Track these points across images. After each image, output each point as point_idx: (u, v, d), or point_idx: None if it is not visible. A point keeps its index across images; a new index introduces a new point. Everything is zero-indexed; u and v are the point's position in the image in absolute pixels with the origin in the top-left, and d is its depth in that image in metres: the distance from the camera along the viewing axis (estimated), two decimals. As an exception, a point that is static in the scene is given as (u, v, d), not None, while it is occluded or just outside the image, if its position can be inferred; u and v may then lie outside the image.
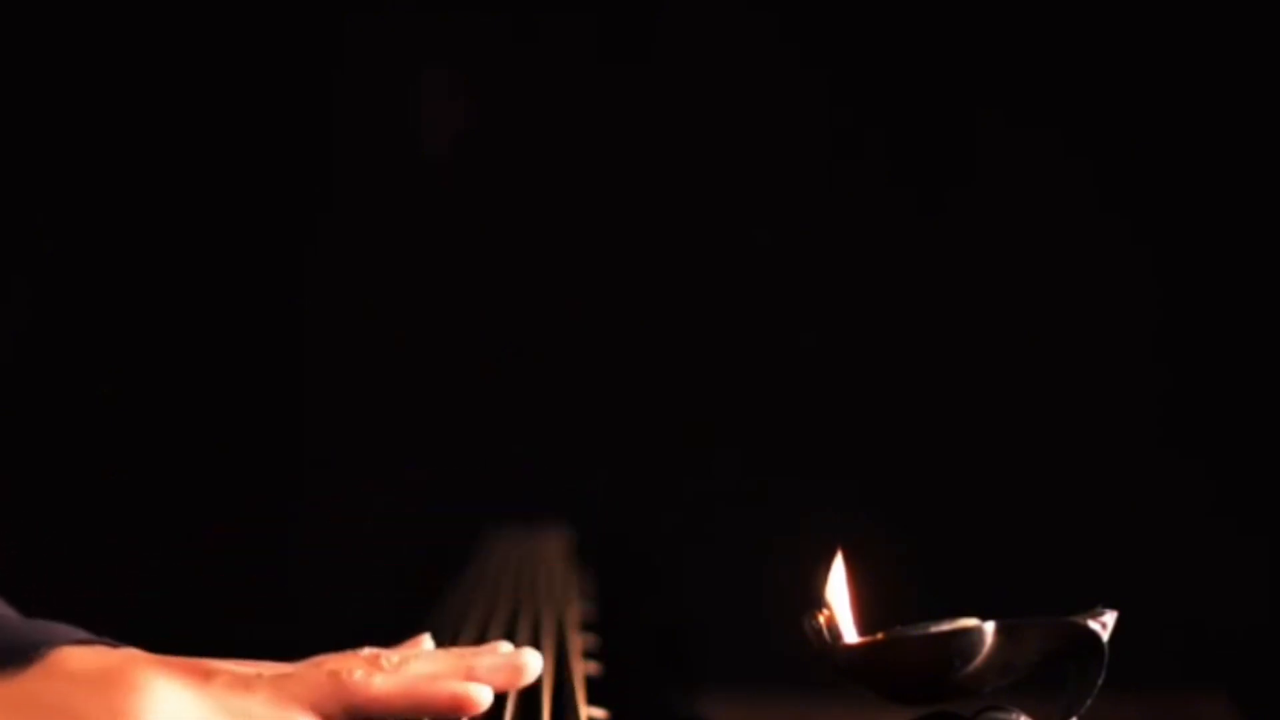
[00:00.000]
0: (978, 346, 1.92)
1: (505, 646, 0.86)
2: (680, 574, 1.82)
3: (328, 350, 1.96)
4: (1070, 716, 0.81)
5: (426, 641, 0.87)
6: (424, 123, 1.98)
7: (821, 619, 0.80)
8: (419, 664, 0.82)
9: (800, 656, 0.82)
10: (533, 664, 0.85)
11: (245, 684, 0.77)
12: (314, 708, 0.78)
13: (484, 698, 0.82)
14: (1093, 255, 1.91)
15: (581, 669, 1.00)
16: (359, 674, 0.79)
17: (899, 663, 0.79)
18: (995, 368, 1.92)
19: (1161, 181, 1.91)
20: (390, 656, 0.82)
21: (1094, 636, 0.80)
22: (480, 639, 1.06)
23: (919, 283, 1.93)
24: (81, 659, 0.75)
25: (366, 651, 0.81)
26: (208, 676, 0.75)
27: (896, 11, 1.93)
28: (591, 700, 0.94)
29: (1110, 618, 0.81)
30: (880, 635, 0.80)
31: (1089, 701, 0.81)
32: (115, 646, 0.79)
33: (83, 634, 0.81)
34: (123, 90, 1.95)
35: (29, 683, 0.60)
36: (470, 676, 0.83)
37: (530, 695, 0.93)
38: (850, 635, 0.80)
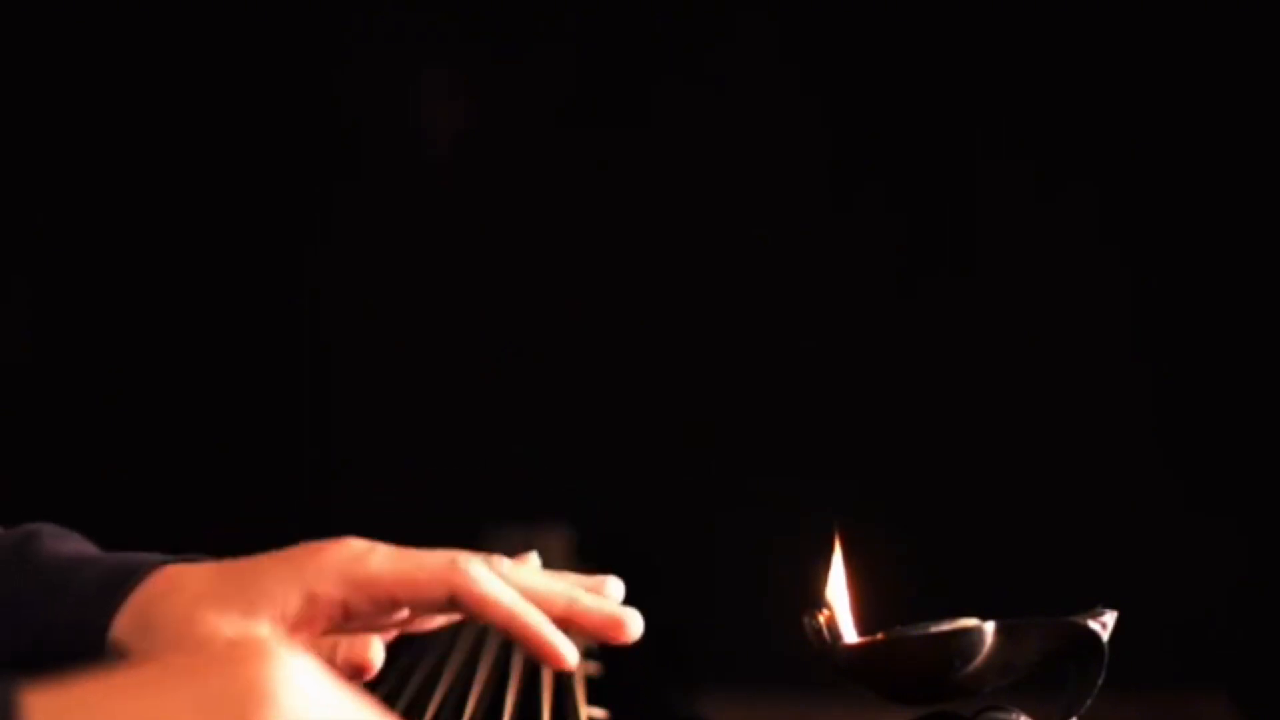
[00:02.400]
0: (978, 347, 1.92)
1: (616, 588, 0.88)
2: (680, 574, 1.82)
3: (328, 351, 1.96)
4: (1070, 716, 0.81)
5: (534, 559, 0.89)
6: (426, 124, 1.98)
7: (821, 619, 0.80)
8: (530, 577, 0.87)
9: (800, 656, 0.82)
10: (634, 626, 0.87)
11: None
12: (428, 579, 0.83)
13: (570, 658, 0.85)
14: (1093, 255, 1.92)
15: (581, 669, 1.00)
16: (474, 565, 0.84)
17: (899, 663, 0.79)
18: (995, 368, 1.92)
19: (1156, 190, 1.91)
20: (504, 563, 0.86)
21: (1094, 636, 0.80)
22: (480, 639, 1.06)
23: (919, 283, 1.93)
24: (186, 578, 0.84)
25: (486, 557, 0.85)
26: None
27: (887, 30, 1.93)
28: (591, 700, 0.94)
29: (1110, 618, 0.81)
30: (880, 635, 0.80)
31: (1089, 701, 0.81)
32: (198, 560, 0.86)
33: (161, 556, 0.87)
34: (124, 91, 1.95)
35: (159, 656, 0.61)
36: (570, 613, 0.86)
37: (530, 695, 0.93)
38: (850, 635, 0.81)
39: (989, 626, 0.79)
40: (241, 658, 0.62)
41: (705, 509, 1.91)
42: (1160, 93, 1.90)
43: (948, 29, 1.92)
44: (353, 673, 0.83)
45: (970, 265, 1.93)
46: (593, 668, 1.04)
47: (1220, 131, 1.90)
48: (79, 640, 0.84)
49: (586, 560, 1.43)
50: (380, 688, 0.96)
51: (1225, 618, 1.85)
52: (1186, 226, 1.91)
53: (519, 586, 0.85)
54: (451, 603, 0.84)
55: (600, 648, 1.11)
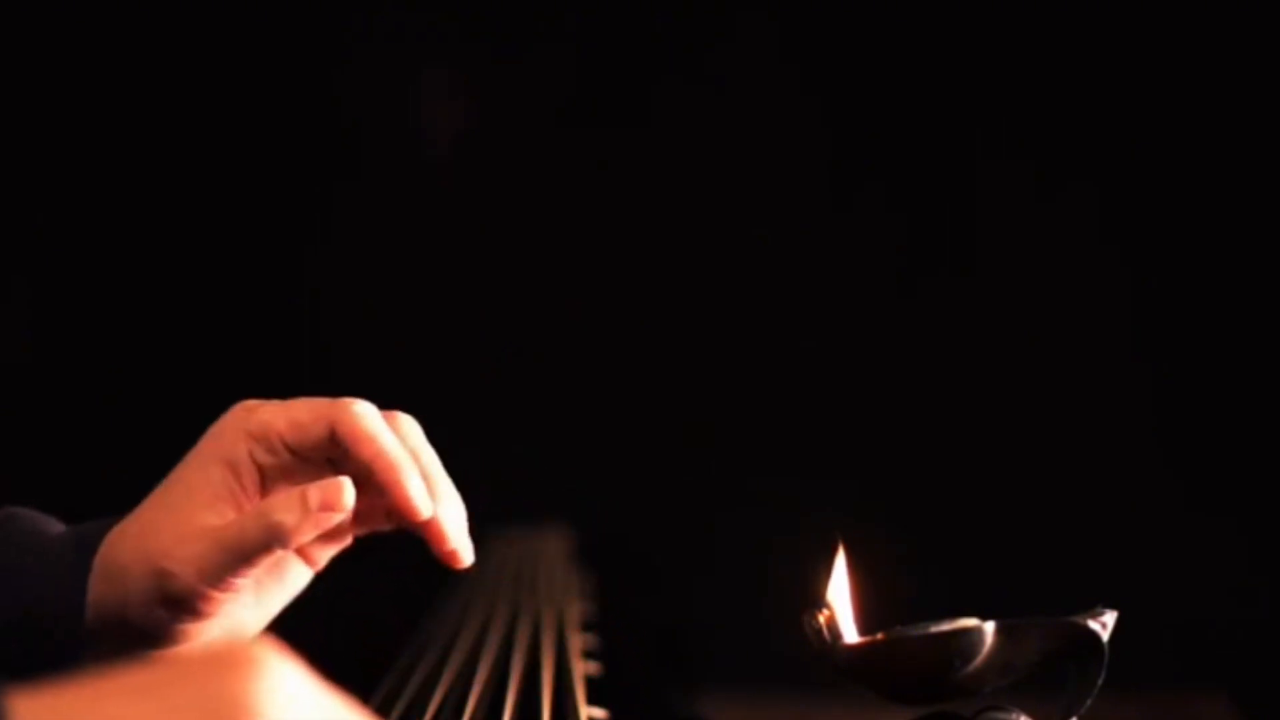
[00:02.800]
0: (977, 347, 1.92)
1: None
2: (680, 574, 1.82)
3: (328, 351, 1.96)
4: (1070, 716, 0.81)
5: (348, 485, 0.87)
6: (426, 124, 1.98)
7: (821, 619, 0.80)
8: (414, 433, 0.91)
9: (800, 656, 0.82)
10: (467, 555, 0.90)
11: None
12: (311, 416, 0.88)
13: (423, 510, 0.87)
14: (1093, 255, 1.92)
15: (581, 669, 1.00)
16: (359, 404, 0.89)
17: (899, 663, 0.79)
18: (995, 368, 1.92)
19: (1155, 191, 1.91)
20: (400, 416, 0.91)
21: (1094, 636, 0.80)
22: (480, 639, 1.06)
23: (919, 283, 1.94)
24: (129, 521, 0.86)
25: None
26: None
27: (887, 31, 1.93)
28: (591, 700, 0.94)
29: (1110, 618, 0.81)
30: (880, 635, 0.80)
31: (1089, 701, 0.81)
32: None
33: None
34: (124, 90, 1.95)
35: (144, 667, 0.61)
36: (430, 479, 0.88)
37: (530, 695, 0.93)
38: (850, 635, 0.81)
39: (989, 626, 0.79)
40: (229, 666, 0.61)
41: (705, 509, 1.91)
42: (1159, 92, 1.90)
43: (948, 29, 1.92)
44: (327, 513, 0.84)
45: (970, 265, 1.93)
46: (593, 668, 1.04)
47: (1220, 131, 1.90)
48: (63, 609, 0.85)
49: (586, 560, 1.43)
50: (380, 688, 0.96)
51: (1225, 618, 1.85)
52: (1186, 226, 1.91)
53: (400, 437, 0.88)
54: (333, 441, 0.86)
55: (600, 648, 1.11)
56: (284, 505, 0.84)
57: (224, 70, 1.96)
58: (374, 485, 0.86)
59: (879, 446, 1.92)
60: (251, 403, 0.89)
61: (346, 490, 0.84)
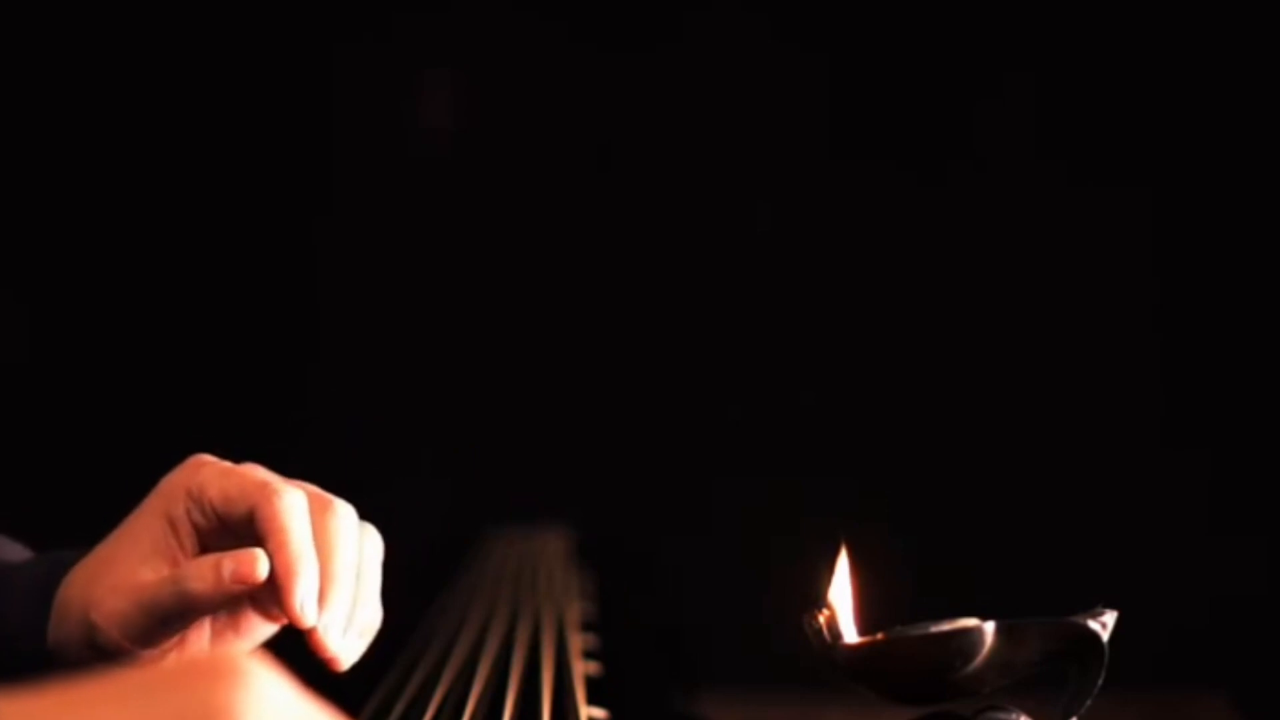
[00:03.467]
0: (979, 347, 1.92)
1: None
2: (680, 574, 1.82)
3: (328, 351, 1.96)
4: (1070, 716, 0.81)
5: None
6: (423, 118, 1.98)
7: (822, 619, 0.80)
8: (339, 533, 0.86)
9: (800, 656, 0.82)
10: (344, 657, 0.85)
11: None
12: (239, 492, 0.86)
13: (308, 619, 0.83)
14: (1096, 258, 1.92)
15: (581, 669, 1.00)
16: (288, 494, 0.85)
17: (899, 663, 0.79)
18: (996, 368, 1.92)
19: (1162, 190, 1.91)
20: (338, 508, 0.87)
21: (1094, 636, 0.80)
22: (480, 639, 1.06)
23: (919, 284, 1.93)
24: (80, 567, 0.86)
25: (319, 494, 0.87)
26: None
27: (888, 30, 1.93)
28: (591, 700, 0.94)
29: (1110, 618, 0.81)
30: (880, 635, 0.80)
31: (1089, 701, 0.81)
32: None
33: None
34: (124, 89, 1.95)
35: (125, 674, 0.59)
36: (330, 591, 0.84)
37: (530, 695, 0.93)
38: (850, 635, 0.80)
39: (989, 626, 0.79)
40: (208, 676, 0.59)
41: (705, 509, 1.91)
42: (1161, 91, 1.90)
43: (948, 29, 1.92)
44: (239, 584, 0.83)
45: (971, 265, 1.93)
46: (593, 668, 1.04)
47: (1221, 131, 1.90)
48: (28, 646, 0.86)
49: (586, 560, 1.43)
50: (380, 688, 0.96)
51: (1225, 618, 1.85)
52: (1195, 226, 1.91)
53: (324, 533, 0.85)
54: (249, 522, 0.84)
55: (600, 648, 1.11)
56: (197, 573, 0.83)
57: (223, 70, 1.95)
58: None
59: (879, 446, 1.92)
60: (202, 459, 0.89)
61: (260, 563, 0.83)
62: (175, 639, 0.86)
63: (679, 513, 1.91)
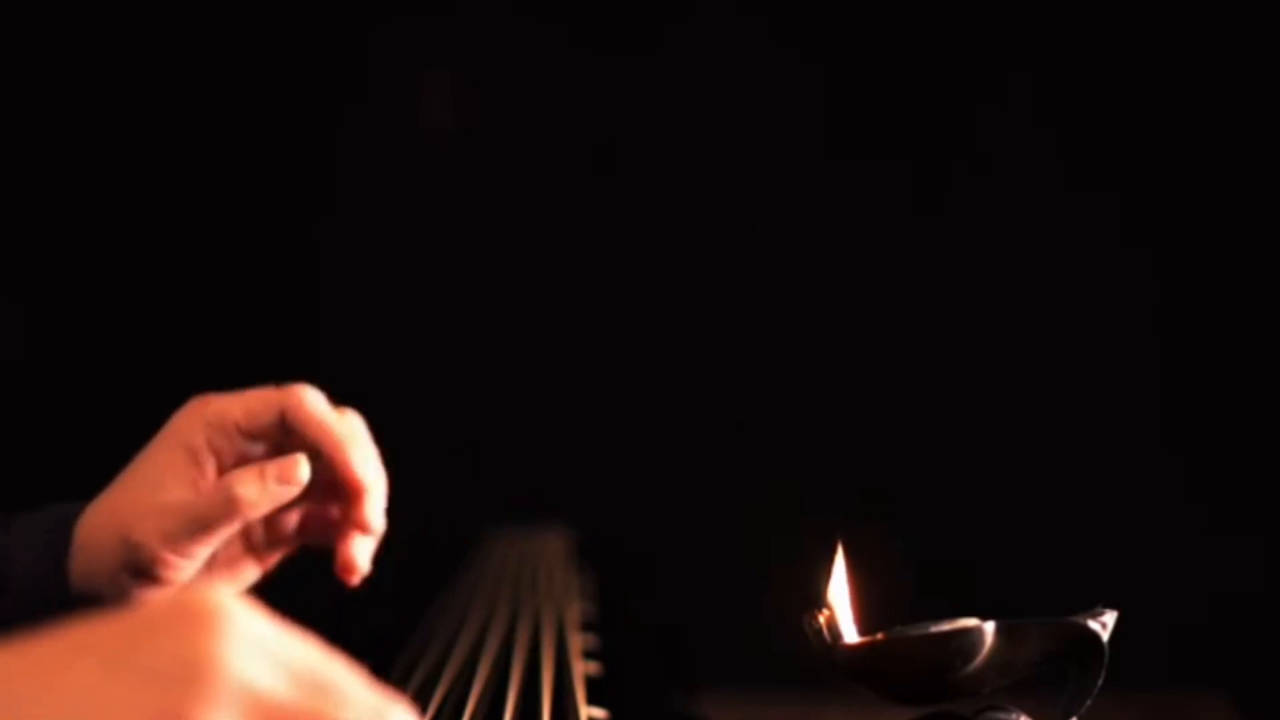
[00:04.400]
0: (979, 347, 1.92)
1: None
2: (680, 574, 1.82)
3: (328, 351, 1.96)
4: (1070, 716, 0.81)
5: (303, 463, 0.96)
6: (423, 118, 1.98)
7: (822, 619, 0.80)
8: (356, 422, 1.00)
9: (800, 656, 0.82)
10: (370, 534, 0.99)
11: None
12: (263, 403, 0.96)
13: (374, 487, 0.98)
14: (1096, 258, 1.92)
15: (581, 669, 1.00)
16: (307, 390, 0.98)
17: (899, 663, 0.79)
18: (996, 368, 1.92)
19: (1165, 189, 1.91)
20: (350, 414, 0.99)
21: (1094, 636, 0.80)
22: (480, 639, 1.06)
23: (919, 284, 1.94)
24: (98, 506, 0.93)
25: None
26: None
27: (887, 30, 1.93)
28: (591, 700, 0.94)
29: (1110, 618, 0.81)
30: (880, 635, 0.80)
31: (1089, 701, 0.81)
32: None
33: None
34: (123, 89, 1.95)
35: (94, 623, 0.59)
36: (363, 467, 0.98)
37: (530, 695, 0.93)
38: (850, 635, 0.81)
39: (989, 626, 0.79)
40: (186, 620, 0.59)
41: (705, 509, 1.91)
42: (1161, 91, 1.90)
43: (948, 29, 1.93)
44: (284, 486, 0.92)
45: (971, 265, 1.93)
46: (593, 668, 1.04)
47: (1222, 131, 1.90)
48: (51, 585, 0.90)
49: (586, 560, 1.43)
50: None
51: (1225, 618, 1.85)
52: (1195, 226, 1.91)
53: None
54: (283, 425, 0.95)
55: (600, 648, 1.11)
56: (244, 479, 0.92)
57: (223, 70, 1.96)
58: (320, 467, 0.95)
59: (879, 446, 1.92)
60: (207, 395, 0.97)
61: (301, 465, 0.93)
62: (209, 547, 0.93)
63: (679, 513, 1.91)
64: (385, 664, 0.93)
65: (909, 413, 1.92)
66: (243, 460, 0.95)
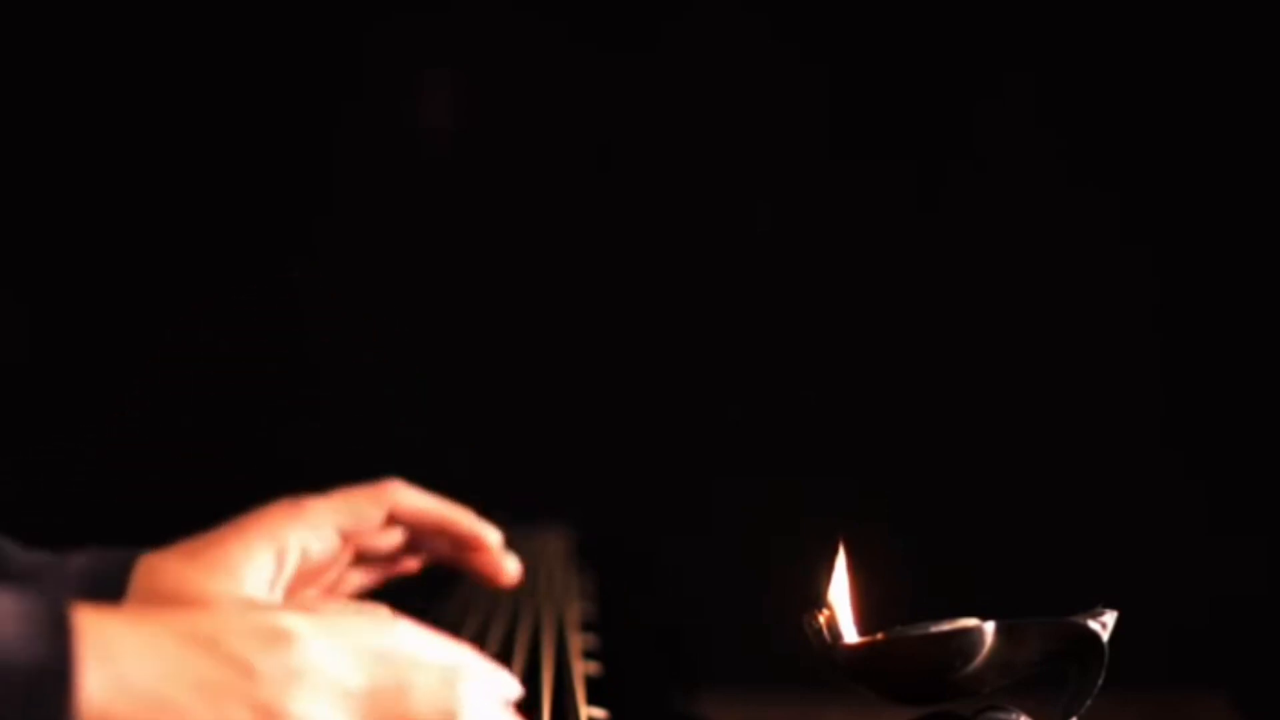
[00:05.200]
0: (979, 347, 1.92)
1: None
2: (680, 574, 1.82)
3: (328, 351, 1.96)
4: (1070, 716, 0.81)
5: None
6: (423, 118, 1.98)
7: (822, 619, 0.80)
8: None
9: (800, 656, 0.82)
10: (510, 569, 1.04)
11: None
12: (368, 501, 0.98)
13: (493, 536, 1.03)
14: (1096, 258, 1.92)
15: (581, 669, 1.00)
16: (400, 486, 0.99)
17: (899, 663, 0.79)
18: (996, 368, 1.92)
19: (1169, 189, 1.91)
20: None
21: (1094, 636, 0.80)
22: (480, 639, 1.06)
23: (919, 283, 1.93)
24: (168, 563, 0.92)
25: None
26: None
27: (888, 31, 1.93)
28: (591, 700, 0.94)
29: (1110, 618, 0.81)
30: (880, 635, 0.80)
31: (1089, 701, 0.81)
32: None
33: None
34: (122, 89, 1.95)
35: (203, 619, 0.62)
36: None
37: (530, 695, 0.93)
38: (850, 635, 0.80)
39: (989, 626, 0.79)
40: (276, 637, 0.63)
41: (705, 509, 1.91)
42: (1161, 90, 1.90)
43: (948, 29, 1.92)
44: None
45: (971, 265, 1.93)
46: (593, 668, 1.04)
47: (1222, 131, 1.90)
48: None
49: (586, 560, 1.43)
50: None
51: (1225, 618, 1.85)
52: (1195, 226, 1.91)
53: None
54: (390, 519, 0.97)
55: (600, 648, 1.11)
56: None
57: (223, 70, 1.96)
58: (440, 540, 1.00)
59: (879, 446, 1.92)
60: (293, 499, 0.97)
61: None
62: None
63: (679, 513, 1.91)
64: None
65: (909, 413, 1.92)
66: (321, 570, 0.96)
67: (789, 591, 0.86)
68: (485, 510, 1.05)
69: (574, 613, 1.17)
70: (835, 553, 0.83)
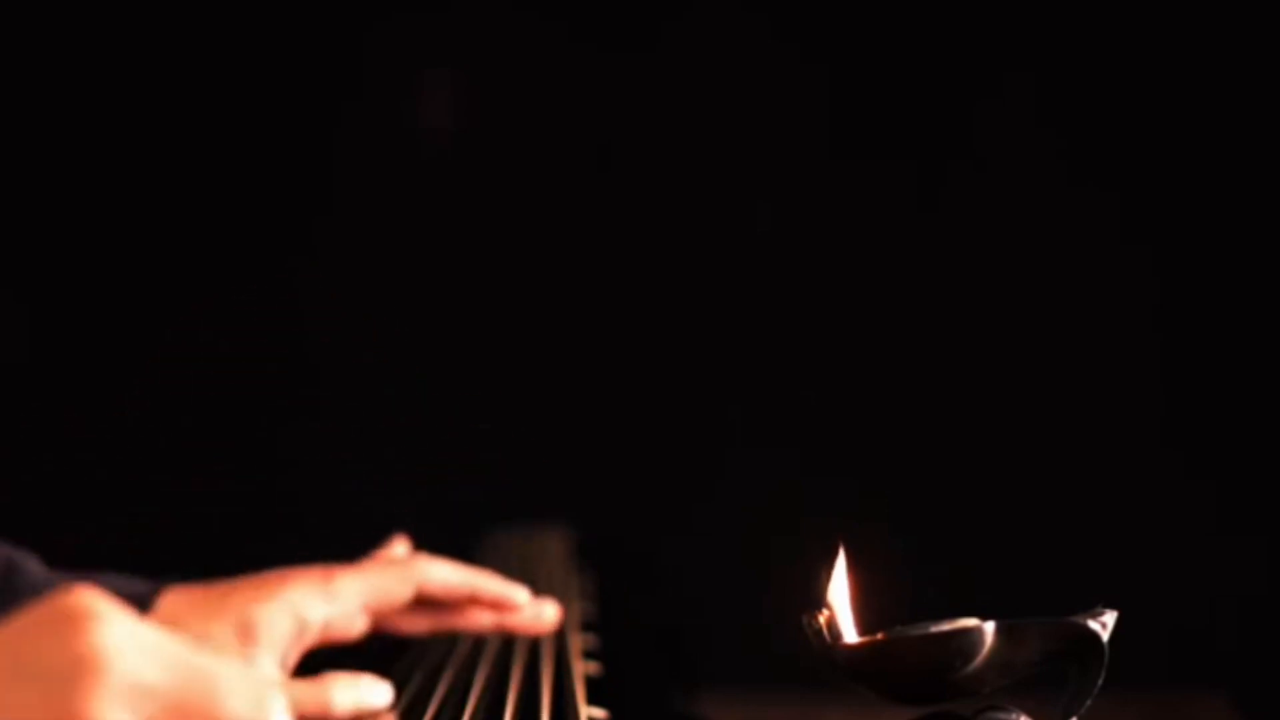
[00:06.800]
0: (979, 347, 1.92)
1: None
2: (680, 574, 1.82)
3: (327, 351, 1.96)
4: (1070, 716, 0.81)
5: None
6: (423, 118, 1.98)
7: (822, 619, 0.80)
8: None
9: (800, 656, 0.82)
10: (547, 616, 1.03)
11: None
12: (397, 580, 0.97)
13: (520, 594, 1.01)
14: (1097, 258, 1.92)
15: (581, 669, 1.00)
16: (429, 561, 0.98)
17: (899, 663, 0.79)
18: (996, 368, 1.92)
19: (1170, 189, 1.91)
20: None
21: (1094, 636, 0.80)
22: (480, 639, 1.06)
23: (920, 283, 1.93)
24: (187, 603, 0.93)
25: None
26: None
27: (889, 30, 1.93)
28: (591, 700, 0.94)
29: (1110, 618, 0.81)
30: (880, 635, 0.80)
31: (1089, 701, 0.81)
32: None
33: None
34: (122, 89, 1.95)
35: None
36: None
37: (530, 695, 0.93)
38: (850, 635, 0.80)
39: (989, 626, 0.79)
40: (67, 622, 0.61)
41: (705, 509, 1.91)
42: (1161, 90, 1.90)
43: (948, 29, 1.92)
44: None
45: (971, 265, 1.93)
46: (593, 668, 1.04)
47: (1222, 131, 1.90)
48: None
49: (586, 560, 1.43)
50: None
51: (1226, 618, 1.85)
52: (1195, 226, 1.91)
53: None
54: (418, 596, 0.97)
55: (600, 648, 1.11)
56: (343, 689, 0.84)
57: (223, 70, 1.96)
58: (472, 608, 1.00)
59: (879, 446, 1.92)
60: (319, 570, 0.96)
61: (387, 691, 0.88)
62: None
63: (679, 513, 1.91)
64: (386, 664, 0.93)
65: (909, 413, 1.92)
66: (348, 633, 0.96)
67: (789, 591, 0.86)
68: (485, 511, 1.06)
69: (574, 613, 1.17)
70: (835, 553, 0.83)
